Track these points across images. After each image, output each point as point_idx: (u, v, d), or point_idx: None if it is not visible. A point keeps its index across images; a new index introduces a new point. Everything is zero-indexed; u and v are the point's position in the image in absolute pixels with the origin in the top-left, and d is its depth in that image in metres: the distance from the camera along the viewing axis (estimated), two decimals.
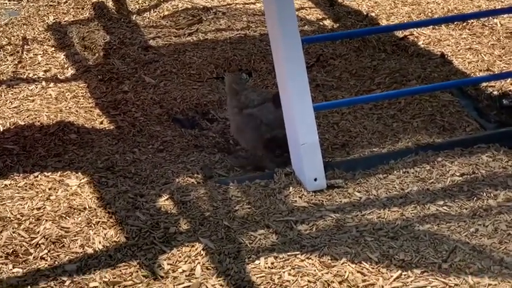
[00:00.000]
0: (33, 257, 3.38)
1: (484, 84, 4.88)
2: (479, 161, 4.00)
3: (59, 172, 4.01)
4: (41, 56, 5.48)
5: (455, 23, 5.77)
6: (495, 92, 4.82)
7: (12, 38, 5.76)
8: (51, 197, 3.79)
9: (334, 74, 5.10)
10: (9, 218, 3.61)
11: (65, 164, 4.11)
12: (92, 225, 3.58)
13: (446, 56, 5.29)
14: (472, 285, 3.15)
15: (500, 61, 5.21)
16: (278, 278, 3.22)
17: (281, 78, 3.92)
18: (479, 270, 3.23)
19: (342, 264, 3.29)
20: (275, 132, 4.04)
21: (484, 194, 3.73)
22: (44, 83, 5.06)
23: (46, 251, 3.41)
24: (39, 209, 3.69)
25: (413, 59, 5.28)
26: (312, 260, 3.32)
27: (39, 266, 3.33)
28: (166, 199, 3.76)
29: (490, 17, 5.79)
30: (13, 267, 3.33)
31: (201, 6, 6.22)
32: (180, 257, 3.36)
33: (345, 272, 3.24)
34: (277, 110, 4.01)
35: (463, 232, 3.45)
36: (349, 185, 3.85)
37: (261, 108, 4.11)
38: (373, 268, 3.27)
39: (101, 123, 4.57)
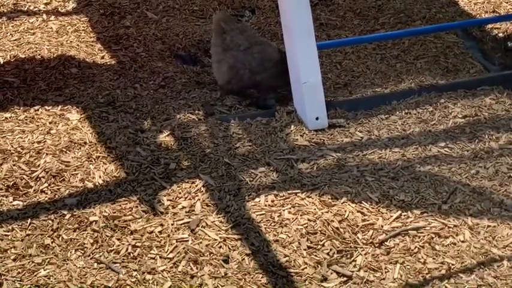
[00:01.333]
0: (34, 190, 3.38)
1: (490, 25, 4.83)
2: (482, 103, 3.98)
3: (60, 106, 3.99)
4: None
5: None
6: (500, 34, 4.77)
7: None
8: (51, 131, 3.78)
9: (338, 13, 5.04)
10: (10, 150, 3.61)
11: (66, 98, 4.09)
12: (92, 160, 3.57)
13: None
14: (471, 227, 3.16)
15: (507, 3, 5.14)
16: (278, 216, 3.23)
17: (285, 15, 3.88)
18: (479, 212, 3.24)
19: (342, 203, 3.30)
20: (255, 77, 4.03)
21: (486, 136, 3.72)
22: (44, 16, 5.00)
23: (46, 184, 3.42)
24: (39, 142, 3.68)
25: None
26: (312, 198, 3.32)
27: (39, 199, 3.34)
28: (167, 135, 3.75)
29: None
30: (13, 200, 3.34)
31: None
32: (180, 193, 3.37)
33: (345, 211, 3.25)
34: (260, 59, 4.01)
35: (464, 174, 3.45)
36: (350, 125, 3.84)
37: (246, 53, 4.08)
38: (373, 208, 3.28)
39: (102, 58, 4.53)
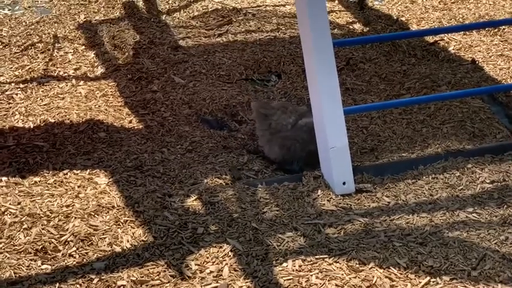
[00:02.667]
0: (62, 254, 3.40)
1: None
2: (510, 168, 3.97)
3: (88, 170, 4.03)
4: (72, 54, 5.51)
5: (486, 29, 5.73)
6: None
7: (43, 35, 5.80)
8: (80, 195, 3.80)
9: (363, 78, 5.08)
10: (39, 214, 3.64)
11: (94, 162, 4.13)
12: (120, 224, 3.59)
13: (477, 62, 5.26)
14: None
15: None
16: (305, 281, 3.22)
17: (312, 81, 3.91)
18: (509, 279, 3.20)
19: (370, 268, 3.28)
20: (309, 148, 4.04)
21: None
22: (74, 81, 5.09)
23: (75, 248, 3.43)
24: (68, 206, 3.71)
25: (443, 64, 5.25)
26: (340, 263, 3.31)
27: (67, 263, 3.35)
28: (195, 199, 3.77)
29: None
30: (42, 264, 3.35)
31: (231, 8, 6.23)
32: (207, 257, 3.37)
33: (373, 276, 3.23)
34: (309, 130, 4.03)
35: (493, 240, 3.43)
36: (377, 190, 3.84)
37: (294, 130, 4.10)
38: (401, 274, 3.25)
39: (130, 122, 4.58)
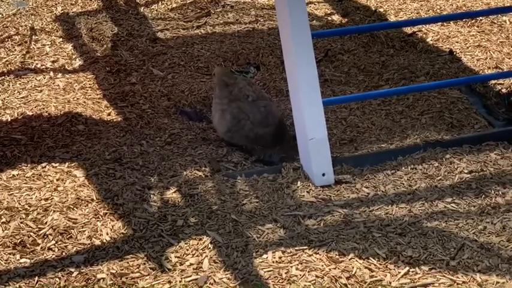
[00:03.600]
0: (41, 248, 3.38)
1: (493, 81, 4.88)
2: (488, 158, 4.00)
3: (67, 163, 4.01)
4: (49, 47, 5.48)
5: (464, 20, 5.76)
6: (504, 90, 4.81)
7: (20, 28, 5.76)
8: (58, 188, 3.79)
9: (342, 69, 5.09)
10: (17, 208, 3.61)
11: (73, 155, 4.10)
12: (100, 217, 3.58)
13: (454, 53, 5.29)
14: (480, 283, 3.15)
15: (509, 58, 5.20)
16: (286, 273, 3.22)
17: (290, 72, 3.91)
18: (488, 268, 3.22)
19: (349, 259, 3.29)
20: (257, 130, 4.07)
21: (493, 191, 3.72)
22: (51, 74, 5.05)
23: (54, 241, 3.42)
24: (46, 199, 3.69)
25: (421, 55, 5.27)
26: (320, 255, 3.31)
27: (46, 257, 3.33)
28: (174, 192, 3.76)
29: (499, 15, 5.78)
30: (21, 258, 3.33)
31: None
32: (187, 250, 3.36)
33: (353, 267, 3.24)
34: (266, 113, 4.07)
35: (471, 230, 3.45)
36: (357, 181, 3.85)
37: (252, 105, 4.13)
38: (380, 264, 3.26)
39: (109, 114, 4.56)
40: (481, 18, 5.77)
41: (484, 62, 5.18)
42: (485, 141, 4.12)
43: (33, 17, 5.98)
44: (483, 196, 3.69)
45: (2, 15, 6.03)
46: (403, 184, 3.82)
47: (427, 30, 5.64)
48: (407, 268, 3.24)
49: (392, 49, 5.37)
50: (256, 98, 4.18)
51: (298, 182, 3.82)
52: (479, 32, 5.61)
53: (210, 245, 3.38)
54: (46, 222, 3.52)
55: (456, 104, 4.60)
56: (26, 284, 3.19)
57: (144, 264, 3.28)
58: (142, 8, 6.13)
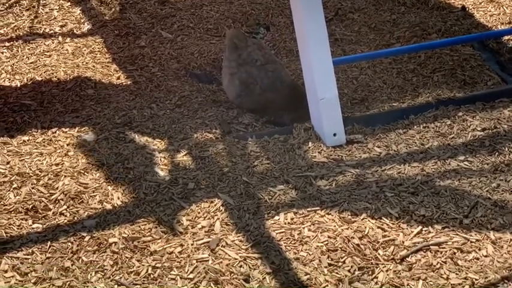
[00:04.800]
0: (53, 213, 3.38)
1: (506, 37, 4.81)
2: (501, 115, 3.95)
3: (77, 128, 4.00)
4: (57, 11, 5.44)
5: None
6: None
7: None
8: (69, 153, 3.78)
9: (353, 28, 5.03)
10: (28, 173, 3.61)
11: (83, 119, 4.09)
12: (110, 181, 3.57)
13: (467, 9, 5.21)
14: (494, 241, 3.13)
15: None
16: (298, 234, 3.21)
17: (300, 32, 3.87)
18: (501, 226, 3.20)
19: (362, 219, 3.27)
20: (266, 95, 4.03)
21: (506, 148, 3.68)
22: (60, 38, 5.03)
23: (65, 206, 3.41)
24: (57, 164, 3.68)
25: (433, 12, 5.20)
26: (332, 215, 3.30)
27: (58, 222, 3.33)
28: (185, 154, 3.74)
29: None
30: (33, 223, 3.33)
31: None
32: (199, 212, 3.36)
33: (365, 227, 3.22)
34: (274, 78, 4.02)
35: (485, 187, 3.42)
36: (368, 140, 3.82)
37: (261, 69, 4.10)
38: (393, 224, 3.25)
39: (118, 78, 4.54)
40: None
41: (497, 17, 5.10)
42: (498, 98, 4.08)
43: None
44: (496, 153, 3.66)
45: None
46: (415, 143, 3.79)
47: None
48: (420, 227, 3.22)
49: (403, 6, 5.30)
50: (265, 62, 4.13)
51: (310, 143, 3.79)
52: None
53: (221, 208, 3.37)
54: (57, 188, 3.51)
55: (469, 61, 4.55)
56: (38, 249, 3.19)
57: (156, 227, 3.28)
58: None
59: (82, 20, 5.30)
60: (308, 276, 3.03)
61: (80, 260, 3.14)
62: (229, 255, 3.13)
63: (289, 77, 4.23)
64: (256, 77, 4.10)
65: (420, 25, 4.96)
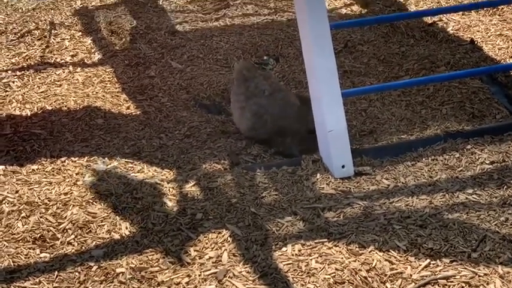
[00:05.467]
0: (61, 242, 3.38)
1: None
2: (510, 148, 3.95)
3: (86, 157, 4.01)
4: (68, 41, 5.48)
5: (485, 8, 5.70)
6: None
7: (39, 22, 5.77)
8: (78, 182, 3.79)
9: (362, 60, 5.05)
10: (37, 202, 3.62)
11: (92, 149, 4.11)
12: (119, 211, 3.57)
13: (475, 42, 5.23)
14: (502, 275, 3.12)
15: None
16: (305, 266, 3.20)
17: (309, 64, 3.89)
18: (510, 260, 3.19)
19: (369, 252, 3.26)
20: (279, 123, 4.04)
21: None
22: (71, 68, 5.06)
23: (73, 236, 3.42)
24: (66, 194, 3.69)
25: (442, 45, 5.22)
26: (340, 247, 3.29)
27: (66, 251, 3.33)
28: (193, 185, 3.75)
29: None
30: (40, 252, 3.34)
31: None
32: (206, 243, 3.35)
33: (373, 260, 3.21)
34: (284, 105, 4.04)
35: (493, 221, 3.41)
36: (377, 172, 3.82)
37: (270, 99, 4.11)
38: (401, 256, 3.24)
39: (128, 108, 4.56)
40: (502, 6, 5.71)
41: (506, 51, 5.12)
42: (507, 132, 4.08)
43: (52, 11, 5.99)
44: (505, 187, 3.65)
45: (22, 10, 6.05)
46: (424, 175, 3.79)
47: (447, 19, 5.59)
48: (428, 260, 3.21)
49: (412, 39, 5.32)
50: (272, 91, 4.15)
51: (318, 174, 3.79)
52: (500, 21, 5.55)
53: (229, 238, 3.37)
54: (65, 217, 3.52)
55: (477, 94, 4.55)
56: (45, 278, 3.19)
57: (163, 258, 3.28)
58: (160, 0, 6.12)
59: (93, 50, 5.34)
60: None
61: None
62: (237, 287, 3.12)
63: (297, 100, 4.23)
64: (267, 107, 4.12)
65: (429, 58, 4.98)
